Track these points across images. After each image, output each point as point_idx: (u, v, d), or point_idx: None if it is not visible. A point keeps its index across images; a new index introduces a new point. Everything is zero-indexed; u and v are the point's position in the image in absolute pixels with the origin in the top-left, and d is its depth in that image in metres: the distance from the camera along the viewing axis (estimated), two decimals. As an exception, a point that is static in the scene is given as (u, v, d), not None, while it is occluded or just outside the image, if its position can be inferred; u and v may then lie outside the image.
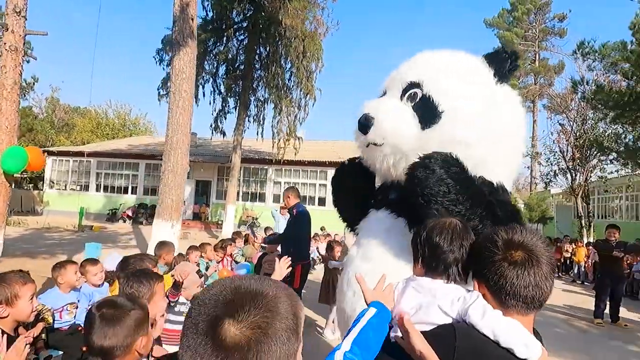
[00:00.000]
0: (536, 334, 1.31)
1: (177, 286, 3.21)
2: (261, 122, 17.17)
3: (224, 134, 17.42)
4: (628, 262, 9.09)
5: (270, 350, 0.74)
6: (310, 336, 5.15)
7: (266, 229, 9.59)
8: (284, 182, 19.89)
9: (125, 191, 21.47)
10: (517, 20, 27.47)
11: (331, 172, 19.24)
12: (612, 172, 14.93)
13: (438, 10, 63.14)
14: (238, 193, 18.62)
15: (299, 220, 4.69)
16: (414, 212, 2.42)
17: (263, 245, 6.57)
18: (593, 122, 14.29)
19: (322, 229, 14.99)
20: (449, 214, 1.93)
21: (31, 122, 30.16)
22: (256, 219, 19.37)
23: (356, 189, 3.10)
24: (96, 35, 53.59)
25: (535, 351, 1.17)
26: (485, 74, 2.56)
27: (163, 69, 16.39)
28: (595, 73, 11.24)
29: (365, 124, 2.59)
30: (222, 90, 17.63)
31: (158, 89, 16.44)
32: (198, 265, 5.47)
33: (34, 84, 32.22)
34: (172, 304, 3.29)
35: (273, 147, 16.28)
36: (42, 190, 23.06)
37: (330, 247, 6.44)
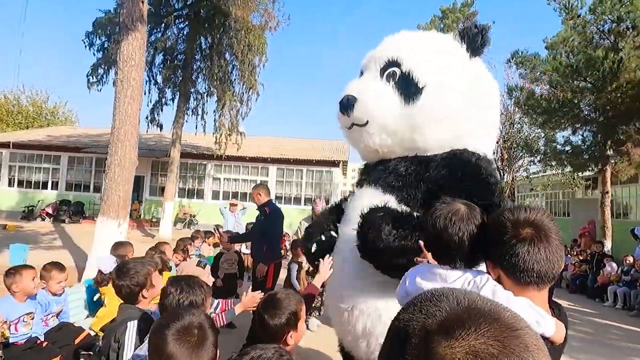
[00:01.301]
0: (555, 305, 1.39)
1: None
2: (202, 116, 16.49)
3: (161, 127, 16.49)
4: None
5: None
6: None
7: (217, 226, 9.19)
8: (224, 179, 19.32)
9: (45, 186, 19.52)
10: (447, 28, 28.94)
11: (273, 168, 19.14)
12: (535, 173, 16.52)
13: (374, 15, 64.78)
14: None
15: (272, 218, 4.55)
16: (400, 192, 2.58)
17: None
18: (519, 125, 15.68)
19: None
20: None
21: None
22: (194, 216, 18.62)
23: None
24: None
25: (548, 327, 1.23)
26: (459, 49, 2.67)
27: (94, 54, 15.12)
28: (524, 81, 12.29)
29: (347, 105, 2.62)
30: (159, 81, 16.68)
31: (87, 76, 15.12)
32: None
33: None
34: None
35: (216, 142, 15.70)
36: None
37: (293, 246, 6.31)
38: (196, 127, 17.60)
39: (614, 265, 9.04)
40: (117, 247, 4.76)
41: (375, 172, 2.78)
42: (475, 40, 2.67)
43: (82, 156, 19.36)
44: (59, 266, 3.77)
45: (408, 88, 2.56)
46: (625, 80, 9.59)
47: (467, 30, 2.71)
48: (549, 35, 11.74)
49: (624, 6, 9.98)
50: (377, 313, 2.47)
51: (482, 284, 1.29)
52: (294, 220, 17.28)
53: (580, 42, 10.51)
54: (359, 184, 2.98)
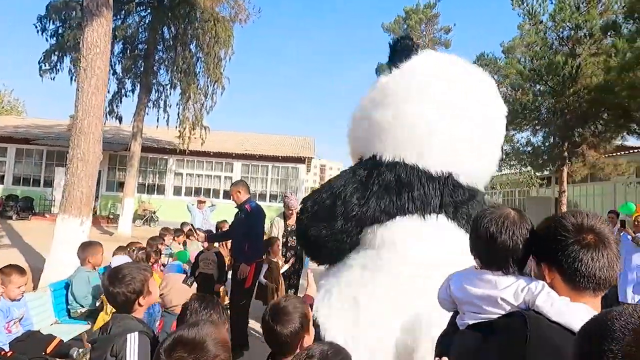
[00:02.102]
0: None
1: None
2: (165, 109, 15.88)
3: (120, 119, 15.73)
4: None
5: None
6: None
7: (183, 224, 8.86)
8: (186, 174, 18.75)
9: (-12, 180, 18.17)
10: (410, 28, 29.54)
11: (237, 164, 18.76)
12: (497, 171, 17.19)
13: (341, 14, 64.65)
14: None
15: (254, 217, 4.40)
16: None
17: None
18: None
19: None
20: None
21: None
22: (154, 212, 17.94)
23: None
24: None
25: None
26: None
27: (46, 39, 14.16)
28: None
29: None
30: (118, 71, 15.89)
31: (39, 63, 14.15)
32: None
33: None
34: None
35: (180, 136, 15.17)
36: None
37: (268, 243, 6.13)
38: (158, 120, 16.94)
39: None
40: (86, 248, 4.47)
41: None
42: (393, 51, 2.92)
43: (32, 148, 18.16)
44: (18, 269, 3.46)
45: None
46: (583, 86, 10.10)
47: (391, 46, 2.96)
48: (506, 39, 12.16)
49: (581, 15, 10.50)
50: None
51: (537, 291, 1.26)
52: (259, 217, 17.14)
53: (542, 47, 10.96)
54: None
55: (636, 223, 7.51)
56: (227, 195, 17.84)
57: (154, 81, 16.15)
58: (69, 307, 4.31)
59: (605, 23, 10.01)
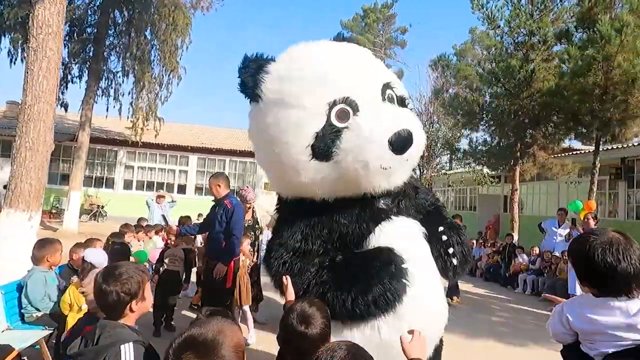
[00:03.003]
0: None
1: None
2: (117, 98, 15.02)
3: (66, 106, 14.68)
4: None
5: None
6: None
7: (140, 219, 8.39)
8: (138, 167, 17.87)
9: None
10: (368, 27, 29.91)
11: (193, 158, 18.13)
12: (446, 169, 17.86)
13: (302, 7, 64.18)
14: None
15: (234, 214, 4.20)
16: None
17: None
18: (438, 125, 16.79)
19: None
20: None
21: None
22: (102, 207, 16.95)
23: None
24: None
25: None
26: None
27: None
28: (449, 84, 13.11)
29: (409, 142, 2.24)
30: (64, 54, 14.78)
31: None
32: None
33: None
34: None
35: (134, 127, 14.41)
36: None
37: None
38: (107, 110, 16.03)
39: (525, 256, 10.02)
40: (45, 246, 4.06)
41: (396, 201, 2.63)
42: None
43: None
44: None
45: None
46: (535, 89, 10.62)
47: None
48: (458, 42, 12.56)
49: (535, 22, 11.02)
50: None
51: None
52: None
53: (499, 51, 11.41)
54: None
55: (585, 220, 7.99)
56: (181, 189, 17.23)
57: (104, 68, 15.23)
58: (22, 311, 3.90)
59: (559, 31, 10.56)
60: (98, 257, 3.27)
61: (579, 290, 7.90)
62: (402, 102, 2.56)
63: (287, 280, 2.29)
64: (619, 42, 8.16)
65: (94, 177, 17.62)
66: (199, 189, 18.37)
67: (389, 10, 30.70)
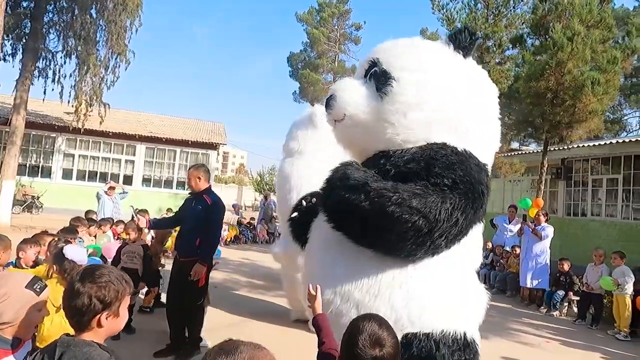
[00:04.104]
0: None
1: None
2: (58, 80, 13.85)
3: (-3, 87, 13.30)
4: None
5: None
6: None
7: (88, 212, 7.78)
8: (79, 155, 16.64)
9: None
10: (323, 21, 29.84)
11: (141, 147, 17.16)
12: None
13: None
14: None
15: (214, 211, 3.93)
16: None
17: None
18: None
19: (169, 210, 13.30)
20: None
21: None
22: (37, 198, 15.62)
23: None
24: None
25: None
26: (441, 48, 2.75)
27: None
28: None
29: (328, 101, 2.72)
30: (-5, 29, 13.39)
31: None
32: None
33: None
34: None
35: (76, 112, 13.36)
36: None
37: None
38: (45, 93, 14.75)
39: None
40: (-11, 242, 3.58)
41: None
42: (463, 41, 2.72)
43: None
44: None
45: (380, 81, 2.62)
46: (490, 91, 11.04)
47: (456, 33, 2.76)
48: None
49: (490, 26, 11.45)
50: (354, 304, 2.36)
51: None
52: (165, 205, 15.90)
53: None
54: None
55: (537, 217, 8.46)
56: (128, 180, 16.28)
57: (43, 46, 13.97)
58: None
59: (512, 36, 11.03)
60: (80, 254, 2.91)
61: (529, 282, 8.37)
62: (380, 74, 2.65)
63: (317, 291, 2.08)
64: (570, 50, 8.65)
65: (28, 165, 16.18)
66: (147, 180, 17.47)
67: (344, 5, 30.79)
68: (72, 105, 14.13)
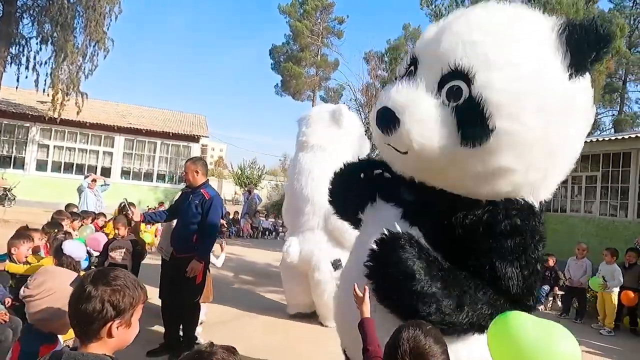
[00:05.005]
0: None
1: None
2: (34, 68, 13.30)
3: (-34, 73, 12.68)
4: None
5: None
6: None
7: (69, 205, 7.46)
8: (54, 146, 16.04)
9: None
10: (306, 13, 29.63)
11: (120, 139, 16.65)
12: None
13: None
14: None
15: (212, 207, 3.79)
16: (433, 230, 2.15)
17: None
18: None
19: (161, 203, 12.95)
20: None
21: None
22: (10, 190, 14.99)
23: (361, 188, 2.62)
24: None
25: None
26: (559, 67, 1.91)
27: None
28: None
29: (386, 124, 1.96)
30: (-36, 12, 12.74)
31: None
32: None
33: None
34: None
35: (53, 100, 12.85)
36: None
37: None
38: (18, 80, 14.17)
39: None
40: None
41: (403, 192, 2.32)
42: (587, 53, 1.92)
43: None
44: None
45: (472, 124, 1.87)
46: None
47: (582, 34, 1.89)
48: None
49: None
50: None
51: None
52: (145, 198, 15.51)
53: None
54: (383, 195, 2.45)
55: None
56: (106, 172, 15.80)
57: (16, 32, 13.37)
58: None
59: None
60: (78, 250, 2.76)
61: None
62: (471, 107, 1.94)
63: (364, 292, 1.91)
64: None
65: (0, 155, 15.53)
66: (125, 173, 17.01)
67: (327, -2, 30.60)
68: (48, 94, 13.60)
